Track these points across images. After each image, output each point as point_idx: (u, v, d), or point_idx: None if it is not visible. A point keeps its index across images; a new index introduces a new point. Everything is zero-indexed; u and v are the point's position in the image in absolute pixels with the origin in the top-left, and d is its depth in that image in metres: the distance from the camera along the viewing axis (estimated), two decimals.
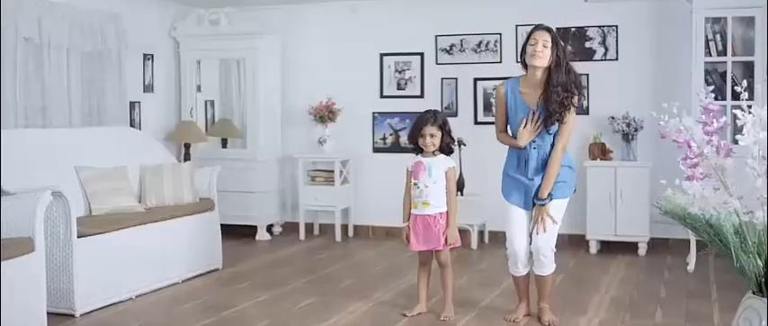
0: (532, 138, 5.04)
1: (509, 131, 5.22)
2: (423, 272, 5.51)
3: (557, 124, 5.00)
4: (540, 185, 5.04)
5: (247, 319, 5.41)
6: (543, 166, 5.08)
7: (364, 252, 7.91)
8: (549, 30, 5.03)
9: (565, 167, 5.13)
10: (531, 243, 5.12)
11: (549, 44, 4.96)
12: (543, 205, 5.02)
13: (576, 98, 5.00)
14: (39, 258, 5.12)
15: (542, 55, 4.94)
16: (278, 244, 8.36)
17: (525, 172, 5.12)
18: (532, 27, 5.12)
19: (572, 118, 5.02)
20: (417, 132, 5.39)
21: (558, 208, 5.10)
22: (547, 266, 5.12)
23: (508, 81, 5.21)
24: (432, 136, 5.35)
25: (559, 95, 4.93)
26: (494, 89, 5.19)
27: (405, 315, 5.42)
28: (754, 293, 3.09)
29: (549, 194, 5.01)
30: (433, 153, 5.40)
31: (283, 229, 8.95)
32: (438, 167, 5.38)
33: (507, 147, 5.26)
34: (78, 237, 5.52)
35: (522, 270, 5.22)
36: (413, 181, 5.41)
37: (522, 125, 5.04)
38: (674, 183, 3.06)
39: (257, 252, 7.93)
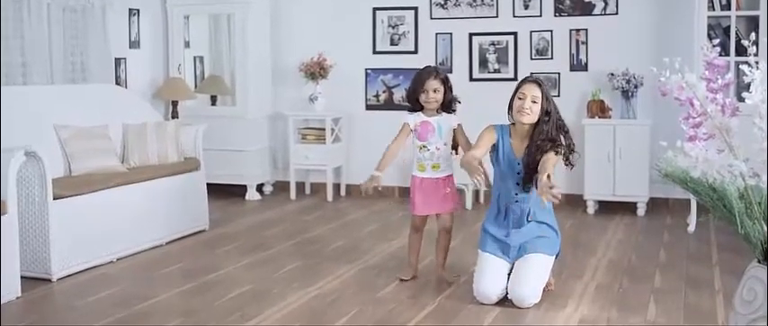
0: (478, 173, 4.52)
1: (491, 173, 4.88)
2: (417, 237, 5.25)
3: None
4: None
5: (229, 283, 5.22)
6: (522, 222, 4.79)
7: (355, 212, 7.71)
8: (538, 83, 4.76)
9: (545, 225, 4.84)
10: (506, 294, 4.72)
11: (539, 99, 4.69)
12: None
13: (562, 149, 4.69)
14: (12, 220, 4.92)
15: (530, 112, 4.68)
16: (268, 204, 8.17)
17: (504, 225, 4.82)
18: (521, 79, 4.88)
19: (555, 156, 4.65)
20: (419, 87, 5.07)
21: (542, 264, 4.76)
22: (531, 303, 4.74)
23: (499, 126, 4.87)
24: (435, 91, 5.05)
25: (545, 147, 4.64)
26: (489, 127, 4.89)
27: (403, 280, 5.21)
28: (759, 261, 2.90)
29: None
30: (437, 111, 5.12)
31: (274, 188, 8.76)
32: (447, 125, 5.11)
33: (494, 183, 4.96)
34: (54, 198, 5.31)
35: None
36: (420, 143, 5.12)
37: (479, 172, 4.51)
38: (675, 143, 2.85)
39: (246, 213, 7.73)
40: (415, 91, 5.10)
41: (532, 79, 4.81)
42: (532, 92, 4.70)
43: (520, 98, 4.72)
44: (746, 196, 2.87)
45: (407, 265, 5.32)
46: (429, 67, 5.22)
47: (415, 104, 5.14)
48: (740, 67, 2.91)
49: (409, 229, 5.31)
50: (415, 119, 5.13)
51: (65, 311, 4.77)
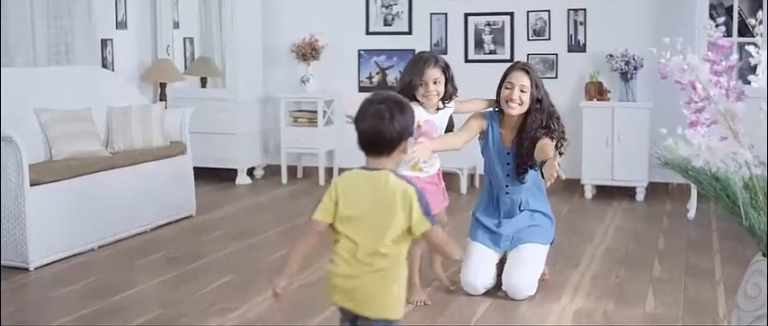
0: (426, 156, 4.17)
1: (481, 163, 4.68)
2: (418, 250, 4.44)
3: (529, 171, 4.47)
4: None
5: (212, 272, 5.04)
6: (514, 212, 4.56)
7: None
8: (526, 70, 4.43)
9: (539, 213, 4.62)
10: (498, 283, 4.52)
11: (528, 88, 4.37)
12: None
13: (556, 134, 4.39)
14: None
15: (520, 102, 4.37)
16: (258, 188, 7.98)
17: (495, 214, 4.58)
18: (508, 66, 4.54)
19: (551, 141, 4.33)
20: (416, 79, 4.25)
21: (537, 254, 4.57)
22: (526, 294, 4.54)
23: (488, 114, 4.56)
24: (435, 82, 4.27)
25: (538, 135, 4.34)
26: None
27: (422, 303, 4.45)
28: (763, 254, 2.72)
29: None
30: (436, 107, 4.37)
31: (265, 172, 8.56)
32: (444, 121, 4.42)
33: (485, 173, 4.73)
34: (32, 185, 5.14)
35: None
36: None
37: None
38: (675, 127, 2.66)
39: (235, 197, 7.54)
40: (412, 84, 4.29)
41: (520, 66, 4.51)
42: (520, 81, 4.40)
43: (507, 88, 4.42)
44: (752, 186, 2.68)
45: (411, 286, 4.30)
46: (424, 53, 4.55)
47: (408, 99, 4.54)
48: (745, 48, 2.72)
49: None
50: (420, 114, 4.21)
51: (40, 302, 4.59)
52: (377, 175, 2.83)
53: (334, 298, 2.87)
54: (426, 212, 2.77)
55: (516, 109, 4.41)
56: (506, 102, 4.41)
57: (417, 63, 4.34)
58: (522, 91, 4.39)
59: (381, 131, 2.79)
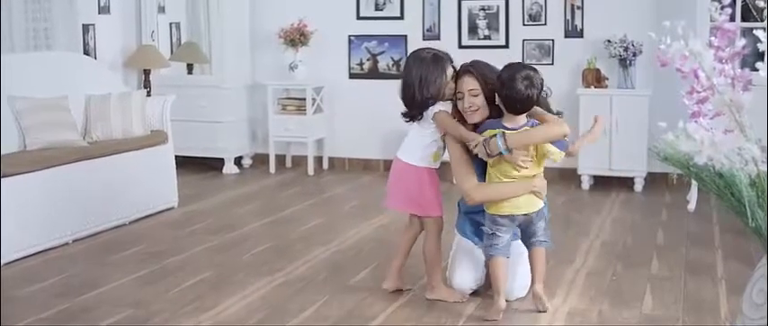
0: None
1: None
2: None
3: None
4: None
5: (190, 269, 4.81)
6: None
7: (336, 188, 7.30)
8: (470, 71, 4.11)
9: None
10: (487, 283, 4.24)
11: (477, 90, 4.07)
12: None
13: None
14: None
15: (475, 107, 4.08)
16: (245, 178, 7.74)
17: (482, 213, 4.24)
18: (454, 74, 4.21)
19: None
20: (448, 85, 4.15)
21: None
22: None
23: None
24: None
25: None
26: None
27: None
28: None
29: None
30: None
31: (253, 161, 8.31)
32: None
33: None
34: (2, 176, 4.90)
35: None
36: (442, 139, 4.26)
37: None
38: (676, 116, 2.43)
39: (221, 188, 7.30)
40: (441, 87, 4.15)
41: (462, 70, 4.16)
42: (468, 86, 4.10)
43: (459, 99, 4.14)
44: (759, 184, 2.45)
45: (445, 284, 4.36)
46: (438, 53, 4.23)
47: (433, 101, 4.16)
48: (752, 33, 2.48)
49: (438, 237, 4.30)
50: (445, 109, 4.22)
51: (5, 301, 4.34)
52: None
53: (513, 211, 4.00)
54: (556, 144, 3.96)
55: (477, 114, 4.12)
56: (464, 113, 4.15)
57: (449, 63, 4.20)
58: (473, 95, 4.09)
59: (531, 97, 3.94)
